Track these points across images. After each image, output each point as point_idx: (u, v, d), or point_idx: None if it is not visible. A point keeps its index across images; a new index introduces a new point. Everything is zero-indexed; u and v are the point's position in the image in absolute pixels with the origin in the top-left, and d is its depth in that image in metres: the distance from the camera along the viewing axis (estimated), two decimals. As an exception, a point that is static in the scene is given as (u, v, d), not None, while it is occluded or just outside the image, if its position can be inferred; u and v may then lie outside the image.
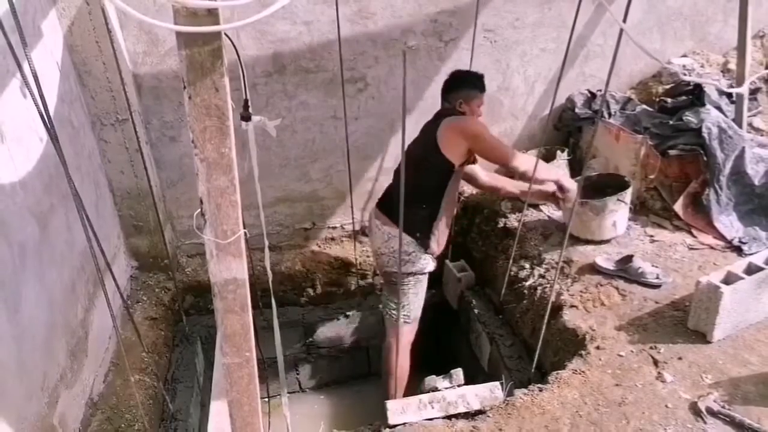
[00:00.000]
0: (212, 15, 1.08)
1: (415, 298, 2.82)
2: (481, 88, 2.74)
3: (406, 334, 2.83)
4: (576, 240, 2.89)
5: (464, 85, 2.72)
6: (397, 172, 2.87)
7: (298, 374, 3.59)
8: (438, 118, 2.69)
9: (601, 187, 2.94)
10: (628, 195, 2.81)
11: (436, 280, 3.58)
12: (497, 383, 2.17)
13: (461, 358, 3.31)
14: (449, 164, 2.61)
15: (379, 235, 2.79)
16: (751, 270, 2.26)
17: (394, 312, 2.84)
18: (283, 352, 2.21)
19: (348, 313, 3.49)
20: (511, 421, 2.02)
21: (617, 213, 2.82)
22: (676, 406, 1.99)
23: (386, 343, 2.95)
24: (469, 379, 2.31)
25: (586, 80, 3.49)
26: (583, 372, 2.18)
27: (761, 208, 2.87)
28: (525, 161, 2.68)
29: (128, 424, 2.30)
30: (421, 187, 2.51)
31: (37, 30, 2.28)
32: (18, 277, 1.88)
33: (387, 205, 2.80)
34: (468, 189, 3.65)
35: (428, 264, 2.77)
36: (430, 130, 2.66)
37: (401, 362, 2.77)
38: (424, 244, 2.70)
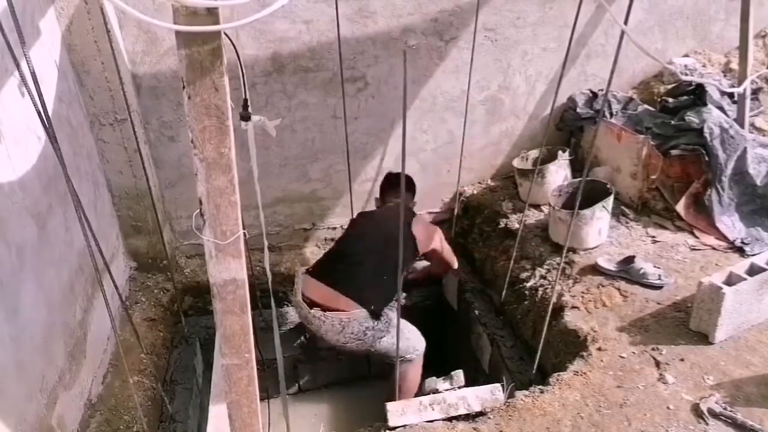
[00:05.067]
0: (212, 14, 1.07)
1: (405, 342, 2.66)
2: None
3: (413, 370, 2.76)
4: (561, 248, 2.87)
5: (413, 188, 3.06)
6: (346, 242, 2.90)
7: (297, 376, 3.58)
8: (408, 210, 2.89)
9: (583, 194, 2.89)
10: (610, 202, 2.79)
11: (436, 281, 3.58)
12: (498, 385, 2.16)
13: (462, 360, 3.29)
14: (416, 250, 2.77)
15: (328, 327, 2.55)
16: (754, 271, 2.25)
17: (394, 359, 2.59)
18: (282, 354, 2.19)
19: (348, 313, 3.47)
20: (512, 423, 2.01)
21: (602, 220, 2.81)
22: (678, 408, 1.98)
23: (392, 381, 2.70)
24: (470, 381, 2.30)
25: (587, 80, 3.47)
26: (584, 373, 2.17)
27: (763, 209, 2.87)
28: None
29: (127, 426, 2.29)
30: (388, 261, 2.46)
31: (36, 29, 2.27)
32: (16, 277, 1.86)
33: (337, 283, 2.59)
34: (469, 189, 3.64)
35: (391, 317, 2.63)
36: (396, 215, 2.42)
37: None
38: (377, 315, 2.56)
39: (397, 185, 2.78)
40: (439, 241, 2.91)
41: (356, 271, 2.66)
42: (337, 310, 2.54)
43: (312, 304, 2.62)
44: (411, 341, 2.74)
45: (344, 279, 2.64)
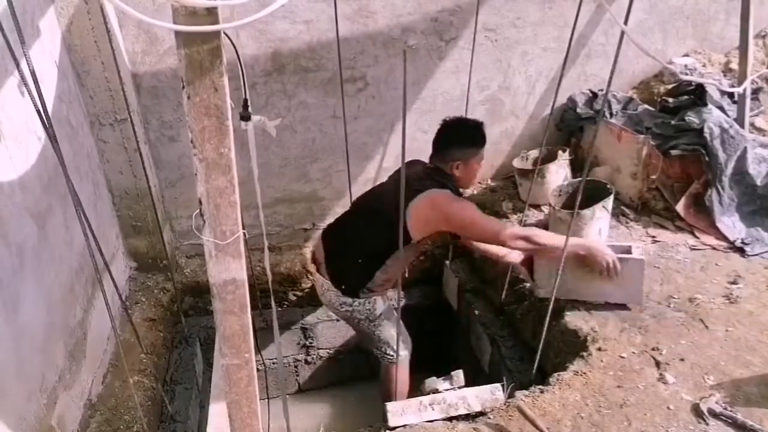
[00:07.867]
0: (211, 14, 1.07)
1: (389, 338, 2.58)
2: (482, 141, 2.41)
3: (400, 371, 2.62)
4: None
5: (464, 142, 2.37)
6: (348, 213, 2.66)
7: (297, 376, 3.58)
8: (420, 180, 2.32)
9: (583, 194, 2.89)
10: (610, 202, 2.79)
11: (436, 280, 3.58)
12: (498, 385, 2.16)
13: (462, 360, 3.30)
14: (407, 237, 2.28)
15: (316, 284, 2.63)
16: None
17: (376, 351, 2.67)
18: (282, 354, 2.19)
19: (348, 313, 3.48)
20: (512, 423, 2.01)
21: (601, 220, 2.81)
22: (678, 408, 1.98)
23: (382, 378, 2.75)
24: (470, 381, 2.30)
25: (587, 80, 3.48)
26: (584, 373, 2.17)
27: (764, 209, 2.87)
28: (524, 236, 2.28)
29: (127, 426, 2.29)
30: (365, 242, 2.40)
31: (36, 29, 2.27)
32: (16, 277, 1.86)
33: (327, 250, 2.56)
34: (469, 189, 3.64)
35: (377, 306, 2.50)
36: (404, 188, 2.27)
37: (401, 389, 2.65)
38: (354, 293, 2.47)
39: (442, 143, 2.40)
40: (468, 229, 2.32)
41: (338, 243, 2.57)
42: (323, 275, 2.58)
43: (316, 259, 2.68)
44: (391, 344, 2.59)
45: (331, 247, 2.59)
